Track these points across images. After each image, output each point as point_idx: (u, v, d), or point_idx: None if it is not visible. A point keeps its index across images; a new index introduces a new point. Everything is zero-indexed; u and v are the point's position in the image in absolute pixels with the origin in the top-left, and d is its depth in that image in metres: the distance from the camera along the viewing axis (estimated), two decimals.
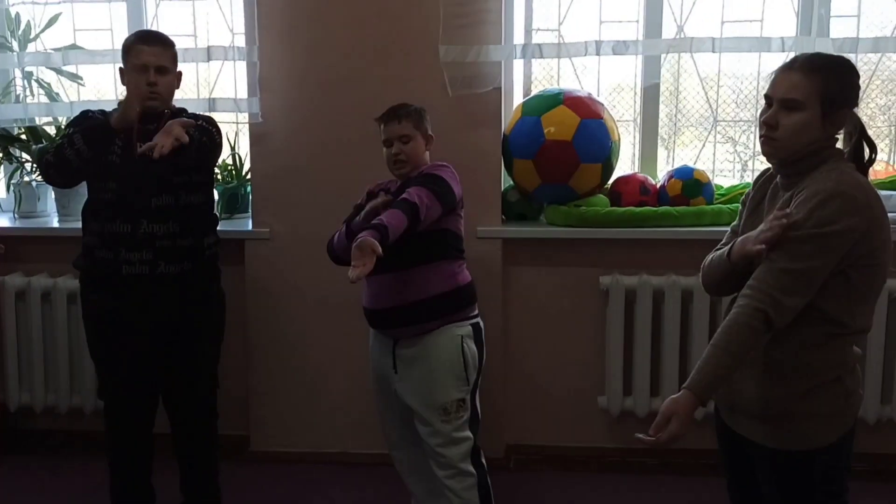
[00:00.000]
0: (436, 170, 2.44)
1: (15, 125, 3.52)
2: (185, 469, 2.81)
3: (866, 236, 1.68)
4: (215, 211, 2.98)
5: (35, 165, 3.47)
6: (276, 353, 3.35)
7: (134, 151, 2.44)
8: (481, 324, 2.53)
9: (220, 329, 2.80)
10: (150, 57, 2.52)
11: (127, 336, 2.60)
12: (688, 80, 3.51)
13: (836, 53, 2.10)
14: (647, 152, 3.48)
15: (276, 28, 3.13)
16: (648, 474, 3.24)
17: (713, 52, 3.18)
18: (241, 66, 3.22)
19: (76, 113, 2.72)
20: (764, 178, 1.92)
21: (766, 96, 1.79)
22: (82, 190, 2.89)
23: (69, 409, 3.41)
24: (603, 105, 3.27)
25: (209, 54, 3.13)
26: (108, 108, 2.68)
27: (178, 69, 2.63)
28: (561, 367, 3.33)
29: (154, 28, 3.38)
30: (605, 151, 3.18)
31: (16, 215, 3.53)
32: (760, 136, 1.79)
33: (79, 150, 2.48)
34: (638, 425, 3.26)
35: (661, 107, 3.46)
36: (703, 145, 3.50)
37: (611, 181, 3.34)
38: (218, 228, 2.82)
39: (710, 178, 3.31)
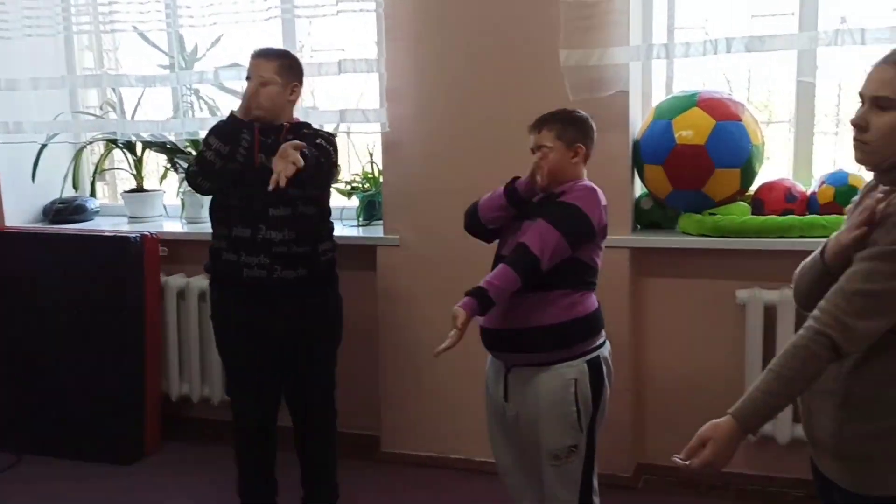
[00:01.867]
0: (575, 197, 2.27)
1: (185, 138, 3.81)
2: (305, 464, 2.93)
3: None
4: (359, 216, 3.02)
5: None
6: (405, 357, 3.42)
7: (257, 164, 2.58)
8: (603, 354, 2.32)
9: (337, 332, 2.89)
10: (252, 69, 2.69)
11: (247, 337, 2.74)
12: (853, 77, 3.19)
13: None
14: (802, 156, 3.20)
15: (403, 39, 3.20)
16: None
17: (880, 43, 2.83)
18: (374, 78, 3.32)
19: None
20: (869, 188, 1.69)
21: (860, 94, 1.58)
22: None
23: (220, 402, 3.66)
24: (744, 106, 3.05)
25: (340, 67, 3.25)
26: None
27: (294, 82, 2.74)
28: (694, 386, 3.12)
29: (304, 44, 3.57)
30: (743, 155, 2.97)
31: (183, 220, 3.85)
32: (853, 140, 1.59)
33: (217, 150, 2.64)
34: (780, 452, 3.02)
35: (824, 106, 3.17)
36: None
37: (754, 188, 3.11)
38: (354, 234, 2.89)
39: None
